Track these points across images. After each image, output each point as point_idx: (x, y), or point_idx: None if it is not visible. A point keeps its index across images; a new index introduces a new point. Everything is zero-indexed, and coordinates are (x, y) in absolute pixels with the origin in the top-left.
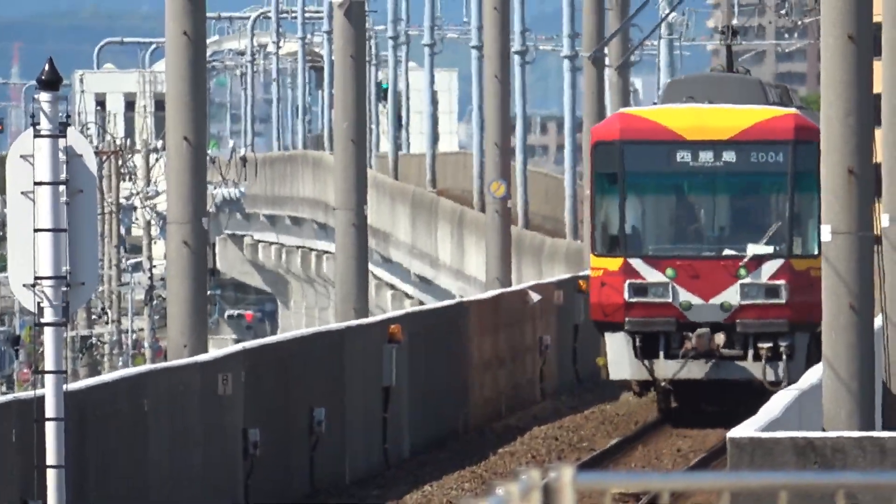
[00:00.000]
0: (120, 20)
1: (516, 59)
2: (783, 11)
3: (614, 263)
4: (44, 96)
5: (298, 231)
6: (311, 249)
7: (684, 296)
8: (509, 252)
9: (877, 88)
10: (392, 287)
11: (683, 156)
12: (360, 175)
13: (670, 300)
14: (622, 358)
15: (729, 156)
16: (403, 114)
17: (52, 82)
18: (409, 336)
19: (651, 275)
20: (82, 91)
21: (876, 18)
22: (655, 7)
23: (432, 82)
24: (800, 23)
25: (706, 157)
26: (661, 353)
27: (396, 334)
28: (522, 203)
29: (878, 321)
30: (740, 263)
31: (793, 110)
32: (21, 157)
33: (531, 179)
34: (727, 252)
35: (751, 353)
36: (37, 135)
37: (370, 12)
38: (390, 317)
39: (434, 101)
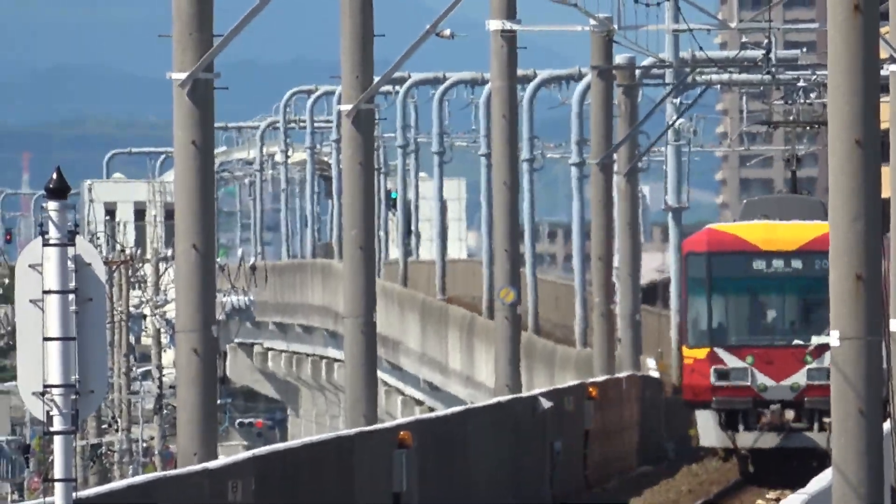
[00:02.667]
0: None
1: (524, 166)
2: (791, 118)
3: (702, 353)
4: (52, 205)
5: (308, 339)
6: (322, 357)
7: (760, 378)
8: (518, 359)
9: (885, 193)
10: (401, 393)
11: (759, 263)
12: (368, 282)
13: (749, 383)
14: (709, 430)
15: (796, 263)
16: (413, 221)
17: (59, 191)
18: (420, 442)
19: (733, 361)
20: (91, 200)
21: (883, 125)
22: (663, 113)
23: (441, 189)
24: (809, 129)
25: (778, 264)
26: (741, 426)
27: (406, 440)
28: (532, 310)
29: (886, 425)
30: (806, 351)
31: None
32: (30, 266)
33: (541, 286)
34: (796, 342)
35: (816, 425)
36: (45, 243)
37: (379, 120)
38: (400, 423)
39: (443, 209)
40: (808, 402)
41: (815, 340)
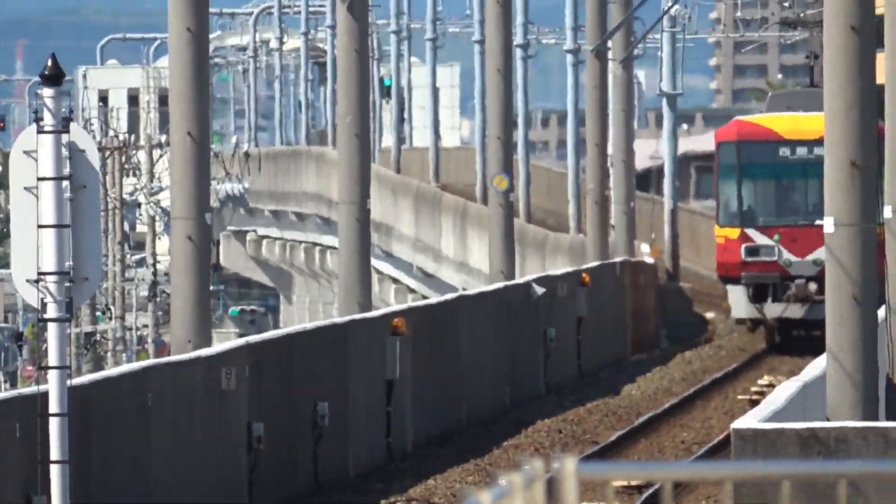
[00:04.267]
0: (123, 17)
1: (518, 52)
2: (786, 3)
3: (734, 232)
4: (47, 92)
5: (302, 226)
6: (315, 244)
7: (786, 255)
8: (513, 245)
9: (879, 80)
10: (395, 281)
11: (784, 151)
12: (363, 170)
13: (776, 259)
14: (740, 303)
15: (818, 150)
16: (406, 109)
17: (55, 78)
18: (413, 329)
19: (761, 239)
20: (85, 87)
21: (878, 10)
22: (657, 0)
23: (434, 77)
24: (802, 15)
25: (801, 151)
26: (770, 299)
27: (400, 327)
28: (525, 197)
29: (881, 312)
30: None
31: None
32: (24, 153)
33: (533, 174)
34: (818, 221)
35: None
36: (40, 131)
37: (373, 7)
38: (394, 310)
39: (436, 96)
40: None
41: None
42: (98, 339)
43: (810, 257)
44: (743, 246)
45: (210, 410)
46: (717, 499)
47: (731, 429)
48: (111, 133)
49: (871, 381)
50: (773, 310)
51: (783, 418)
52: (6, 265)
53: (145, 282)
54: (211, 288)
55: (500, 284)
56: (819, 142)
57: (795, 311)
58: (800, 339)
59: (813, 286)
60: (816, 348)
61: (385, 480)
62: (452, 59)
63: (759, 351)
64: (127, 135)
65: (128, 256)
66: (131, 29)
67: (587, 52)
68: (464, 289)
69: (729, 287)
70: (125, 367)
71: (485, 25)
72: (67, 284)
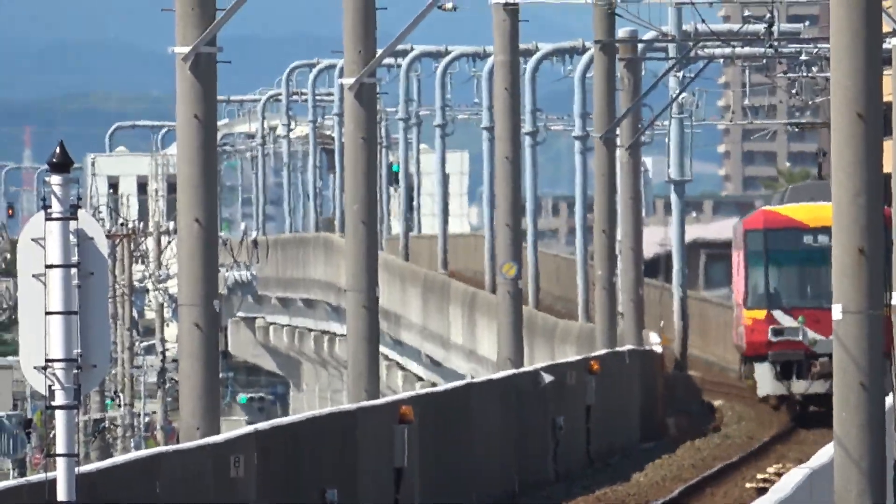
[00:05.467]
0: (131, 103)
1: (527, 139)
2: (794, 91)
3: (761, 314)
4: (54, 179)
5: (311, 313)
6: (324, 332)
7: (810, 335)
8: (521, 333)
9: (886, 168)
10: (404, 368)
11: (807, 238)
12: (371, 256)
13: (800, 339)
14: (766, 380)
15: None
16: (414, 196)
17: (62, 165)
18: (421, 417)
19: (787, 321)
20: (94, 174)
21: (886, 98)
22: (665, 87)
23: (443, 163)
24: (811, 102)
25: (822, 238)
26: (795, 376)
27: (408, 415)
28: (534, 284)
29: (889, 399)
30: None
31: None
32: (32, 240)
33: (542, 260)
34: None
35: None
36: (48, 218)
37: (381, 94)
38: (402, 398)
39: (445, 183)
40: None
41: None
42: (107, 425)
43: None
44: (770, 327)
45: (219, 498)
46: None
47: None
48: (120, 220)
49: (878, 467)
50: (798, 386)
51: None
52: (14, 352)
53: (154, 368)
54: (220, 375)
55: (509, 372)
56: None
57: (819, 388)
58: (820, 415)
59: None
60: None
61: None
62: (461, 146)
63: (767, 439)
64: (136, 222)
65: (136, 343)
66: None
67: (595, 139)
68: (472, 376)
69: (756, 365)
70: (134, 455)
71: (493, 112)
72: (75, 371)
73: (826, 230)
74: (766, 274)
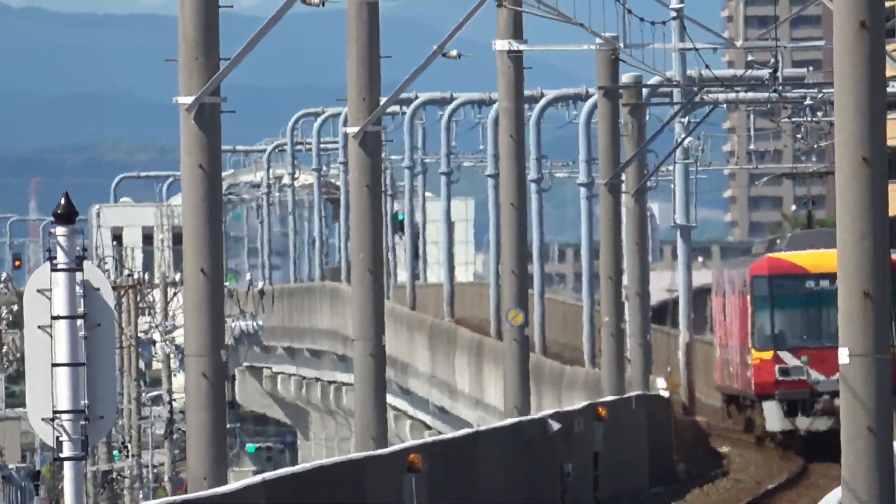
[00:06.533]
0: (138, 153)
1: (532, 186)
2: (799, 135)
3: (767, 354)
4: (60, 230)
5: (317, 363)
6: (331, 381)
7: (814, 374)
8: (528, 380)
9: (892, 211)
10: (411, 417)
11: (810, 283)
12: (377, 305)
13: (805, 378)
14: (774, 417)
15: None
16: (420, 244)
17: (68, 216)
18: (429, 465)
19: (792, 361)
20: (99, 225)
21: (890, 142)
22: (671, 132)
23: (449, 210)
24: (816, 146)
25: (824, 283)
26: (800, 413)
27: (416, 463)
28: (540, 331)
29: None
30: None
31: None
32: (38, 291)
33: (549, 307)
34: None
35: None
36: (54, 269)
37: (386, 142)
38: (409, 446)
39: (450, 230)
40: None
41: None
42: (115, 477)
43: (836, 376)
44: (776, 366)
45: None
46: None
47: None
48: (125, 271)
49: None
50: (803, 423)
51: None
52: (22, 404)
53: (161, 419)
54: (227, 425)
55: (516, 420)
56: None
57: (822, 424)
58: (825, 450)
59: (838, 401)
60: (836, 455)
61: None
62: (466, 193)
63: (776, 484)
64: (142, 273)
65: (143, 394)
66: (147, 165)
67: (600, 186)
68: (480, 425)
69: (764, 403)
70: None
71: (498, 159)
72: (83, 423)
73: (827, 275)
74: (772, 317)
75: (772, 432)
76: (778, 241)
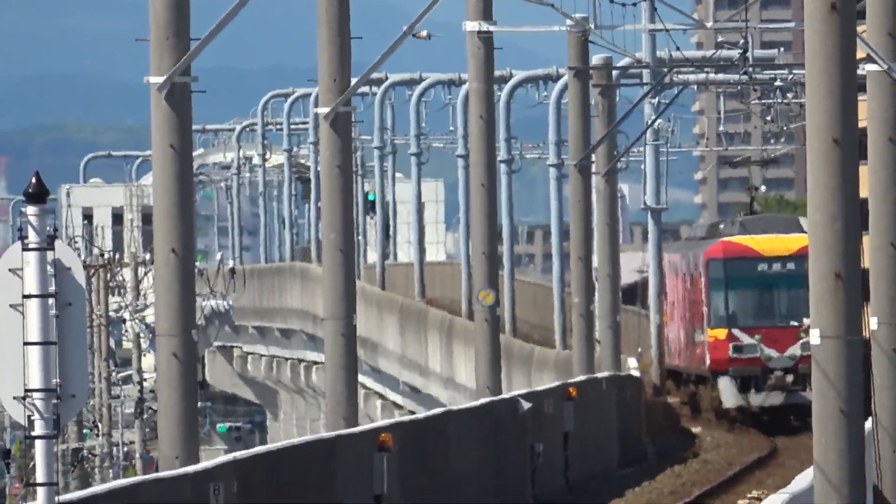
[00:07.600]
0: (105, 134)
1: (502, 167)
2: (769, 117)
3: (722, 333)
4: (31, 210)
5: (287, 343)
6: (301, 360)
7: (767, 351)
8: (499, 360)
9: (863, 193)
10: (382, 397)
11: (763, 266)
12: (348, 285)
13: (758, 355)
14: (728, 393)
15: (790, 265)
16: (391, 224)
17: (38, 195)
18: (400, 445)
19: (745, 339)
20: (69, 205)
21: (861, 123)
22: (640, 113)
23: (419, 191)
24: (786, 128)
25: (776, 266)
26: (753, 389)
27: (387, 443)
28: (510, 312)
29: (868, 424)
30: (800, 329)
31: None
32: (9, 270)
33: (519, 288)
34: (792, 323)
35: (809, 387)
36: (25, 248)
37: (356, 122)
38: (380, 425)
39: (421, 211)
40: (801, 369)
41: (807, 321)
42: (85, 455)
43: (787, 353)
44: (730, 344)
45: None
46: None
47: None
48: (95, 251)
49: (858, 493)
50: (756, 399)
51: None
52: None
53: (132, 398)
54: (198, 404)
55: (487, 400)
56: (790, 258)
57: (775, 399)
58: (773, 422)
59: (790, 377)
60: (789, 429)
61: None
62: (436, 174)
63: (746, 464)
64: (112, 252)
65: (114, 373)
66: (114, 146)
67: (570, 167)
68: (451, 404)
69: (719, 380)
70: (113, 484)
71: (468, 140)
72: (54, 401)
73: (779, 259)
74: (726, 297)
75: (726, 408)
76: (721, 226)
